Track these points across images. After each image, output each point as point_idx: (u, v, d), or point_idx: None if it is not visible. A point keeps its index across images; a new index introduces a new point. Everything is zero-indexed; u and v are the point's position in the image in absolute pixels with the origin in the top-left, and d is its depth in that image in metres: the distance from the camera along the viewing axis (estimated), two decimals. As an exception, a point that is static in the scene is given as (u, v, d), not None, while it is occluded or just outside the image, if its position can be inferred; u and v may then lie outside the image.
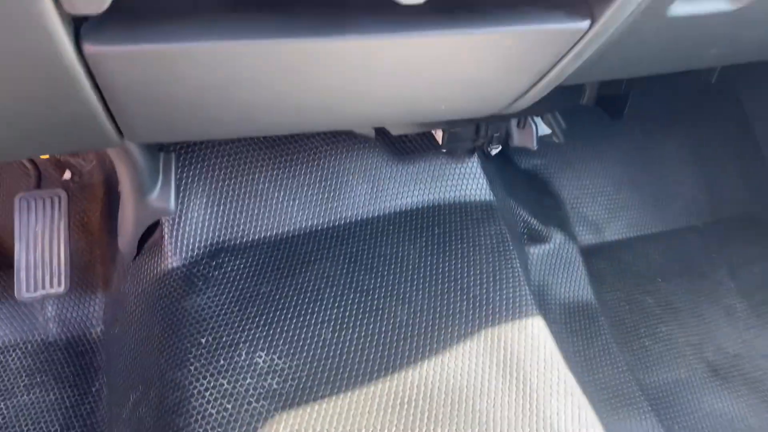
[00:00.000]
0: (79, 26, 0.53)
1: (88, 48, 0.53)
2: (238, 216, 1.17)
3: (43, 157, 1.33)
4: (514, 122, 1.23)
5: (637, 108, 1.32)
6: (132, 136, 0.72)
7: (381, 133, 1.21)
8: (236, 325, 1.04)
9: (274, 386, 0.97)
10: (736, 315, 1.48)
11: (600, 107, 1.32)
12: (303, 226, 1.19)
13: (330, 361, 1.01)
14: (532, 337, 1.09)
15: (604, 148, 1.64)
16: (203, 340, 1.01)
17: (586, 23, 0.62)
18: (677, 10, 0.72)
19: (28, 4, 0.47)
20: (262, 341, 1.02)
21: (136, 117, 0.66)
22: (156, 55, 0.55)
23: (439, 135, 1.19)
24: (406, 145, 1.27)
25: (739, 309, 1.49)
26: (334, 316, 1.07)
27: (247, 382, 0.98)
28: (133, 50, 0.53)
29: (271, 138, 1.21)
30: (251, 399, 0.96)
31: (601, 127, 1.64)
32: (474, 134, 1.19)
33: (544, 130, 1.25)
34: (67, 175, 1.37)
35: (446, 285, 1.14)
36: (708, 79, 1.27)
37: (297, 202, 1.19)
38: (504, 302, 1.13)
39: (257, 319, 1.05)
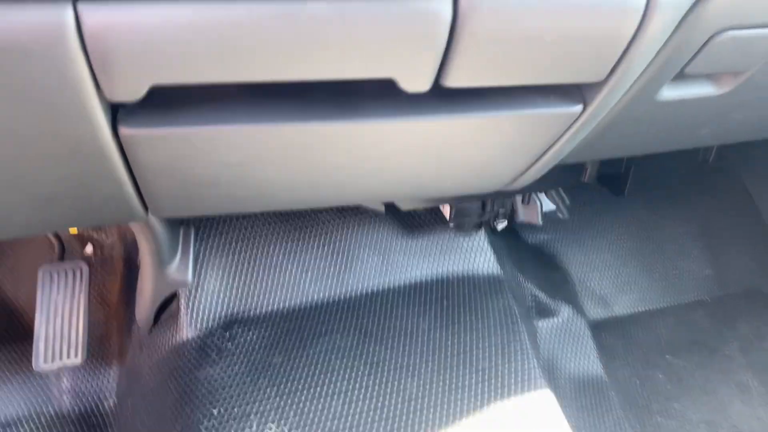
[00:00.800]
0: (116, 111, 0.59)
1: (124, 131, 0.58)
2: (252, 288, 1.20)
3: (72, 231, 1.38)
4: (519, 198, 1.28)
5: (639, 184, 1.36)
6: (156, 210, 0.76)
7: (390, 208, 1.25)
8: (248, 396, 1.05)
9: (284, 458, 0.98)
10: (750, 392, 1.46)
11: (601, 184, 1.37)
12: (315, 298, 1.22)
13: (340, 433, 1.02)
14: (542, 412, 1.10)
15: (609, 223, 1.68)
16: (215, 411, 1.03)
17: (578, 108, 0.67)
18: (666, 94, 0.78)
19: (73, 92, 0.53)
20: (273, 413, 1.03)
21: (162, 193, 0.71)
22: (185, 136, 0.60)
23: (446, 210, 1.23)
24: (415, 220, 1.31)
25: (752, 386, 1.47)
26: (344, 389, 1.08)
27: (258, 453, 0.98)
28: (165, 133, 0.59)
29: (285, 213, 1.26)
30: (261, 471, 0.96)
31: (604, 203, 1.68)
32: (480, 210, 1.23)
33: (548, 206, 1.29)
34: (89, 248, 1.42)
35: (455, 358, 1.16)
36: (706, 157, 1.32)
37: (309, 274, 1.23)
38: (512, 376, 1.14)
39: (268, 390, 1.06)
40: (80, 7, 0.46)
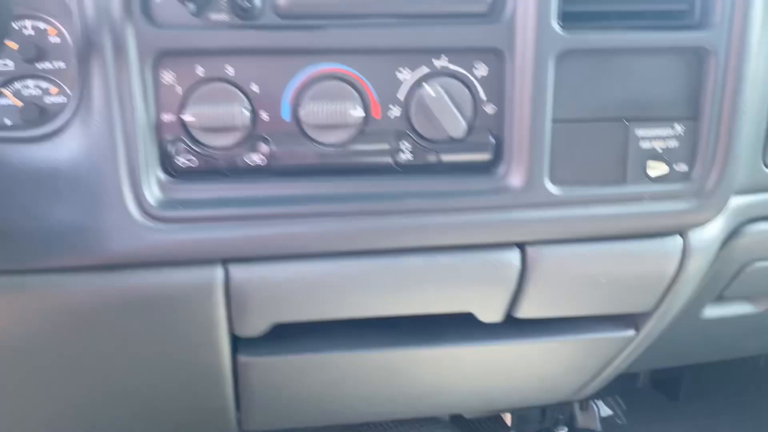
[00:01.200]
0: (236, 340, 0.70)
1: (242, 359, 0.68)
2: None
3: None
4: (577, 405, 1.31)
5: (694, 388, 1.37)
6: (248, 424, 0.84)
7: (454, 417, 1.29)
8: None
9: None
10: None
11: (656, 389, 1.39)
12: None
13: None
14: None
15: (667, 428, 1.65)
16: None
17: (632, 333, 0.76)
18: (710, 313, 0.86)
19: (209, 329, 0.64)
20: None
21: (259, 408, 0.79)
22: (292, 363, 0.70)
23: (508, 417, 1.27)
24: (478, 428, 1.33)
25: None
26: None
27: None
28: (277, 360, 0.69)
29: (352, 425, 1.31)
30: None
31: (660, 408, 1.67)
32: (541, 416, 1.26)
33: (606, 411, 1.32)
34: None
35: None
36: (757, 362, 1.35)
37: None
38: None
39: None
40: (230, 267, 0.59)
